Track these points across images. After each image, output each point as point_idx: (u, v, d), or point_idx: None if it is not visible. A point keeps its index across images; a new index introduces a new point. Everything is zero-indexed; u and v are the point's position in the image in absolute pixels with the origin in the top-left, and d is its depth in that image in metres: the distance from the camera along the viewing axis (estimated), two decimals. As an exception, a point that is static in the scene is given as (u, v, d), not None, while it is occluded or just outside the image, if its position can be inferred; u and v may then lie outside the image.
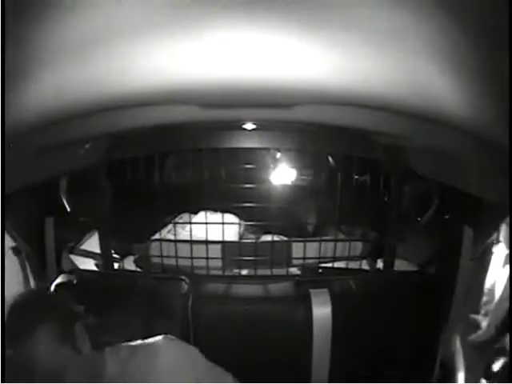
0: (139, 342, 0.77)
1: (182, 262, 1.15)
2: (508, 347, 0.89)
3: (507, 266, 0.95)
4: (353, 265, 1.20)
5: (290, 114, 0.75)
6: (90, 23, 0.43)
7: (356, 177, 1.21)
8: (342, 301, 1.06)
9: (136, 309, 1.03)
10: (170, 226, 1.26)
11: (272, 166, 1.42)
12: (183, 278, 1.08)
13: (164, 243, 1.16)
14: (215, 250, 1.17)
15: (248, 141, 1.06)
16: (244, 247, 1.19)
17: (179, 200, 1.30)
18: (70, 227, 1.20)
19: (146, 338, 0.78)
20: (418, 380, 0.97)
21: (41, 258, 1.09)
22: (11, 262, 1.03)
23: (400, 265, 1.19)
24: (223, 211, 1.23)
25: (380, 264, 1.21)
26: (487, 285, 0.99)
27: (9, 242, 1.01)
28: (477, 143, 0.61)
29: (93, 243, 1.23)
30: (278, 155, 1.44)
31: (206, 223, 1.15)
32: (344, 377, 1.04)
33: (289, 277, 1.18)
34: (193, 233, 1.18)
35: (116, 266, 1.21)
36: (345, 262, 1.20)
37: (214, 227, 1.15)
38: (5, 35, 0.41)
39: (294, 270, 1.23)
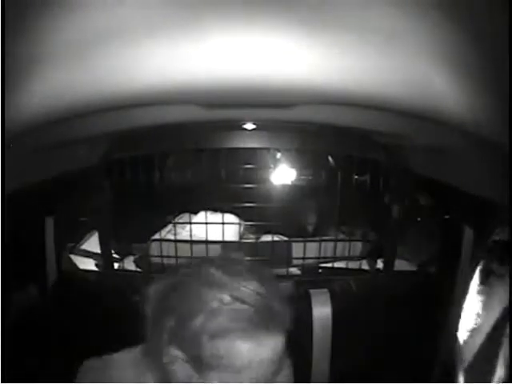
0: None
1: (182, 262, 1.15)
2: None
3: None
4: (353, 265, 1.20)
5: (290, 114, 0.75)
6: (91, 23, 0.43)
7: (356, 177, 1.21)
8: (342, 301, 1.05)
9: (136, 308, 1.03)
10: (169, 226, 1.26)
11: (272, 166, 1.42)
12: None
13: (164, 243, 1.16)
14: (215, 250, 1.16)
15: (248, 141, 1.06)
16: (244, 247, 1.19)
17: (179, 200, 1.30)
18: (70, 227, 1.20)
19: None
20: (418, 380, 0.97)
21: (41, 258, 1.09)
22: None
23: (400, 265, 1.19)
24: (223, 211, 1.23)
25: (380, 264, 1.21)
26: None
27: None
28: (476, 143, 0.61)
29: (93, 243, 1.23)
30: (278, 155, 1.44)
31: (206, 223, 1.15)
32: (344, 377, 1.04)
33: (289, 277, 1.18)
34: (193, 233, 1.18)
35: (116, 265, 1.21)
36: (345, 261, 1.20)
37: (214, 227, 1.15)
38: (5, 35, 0.41)
39: (294, 270, 1.23)
